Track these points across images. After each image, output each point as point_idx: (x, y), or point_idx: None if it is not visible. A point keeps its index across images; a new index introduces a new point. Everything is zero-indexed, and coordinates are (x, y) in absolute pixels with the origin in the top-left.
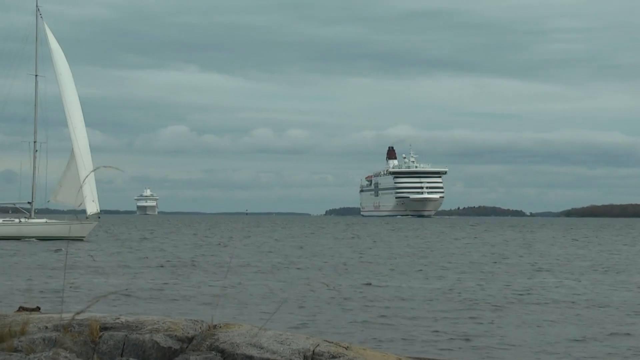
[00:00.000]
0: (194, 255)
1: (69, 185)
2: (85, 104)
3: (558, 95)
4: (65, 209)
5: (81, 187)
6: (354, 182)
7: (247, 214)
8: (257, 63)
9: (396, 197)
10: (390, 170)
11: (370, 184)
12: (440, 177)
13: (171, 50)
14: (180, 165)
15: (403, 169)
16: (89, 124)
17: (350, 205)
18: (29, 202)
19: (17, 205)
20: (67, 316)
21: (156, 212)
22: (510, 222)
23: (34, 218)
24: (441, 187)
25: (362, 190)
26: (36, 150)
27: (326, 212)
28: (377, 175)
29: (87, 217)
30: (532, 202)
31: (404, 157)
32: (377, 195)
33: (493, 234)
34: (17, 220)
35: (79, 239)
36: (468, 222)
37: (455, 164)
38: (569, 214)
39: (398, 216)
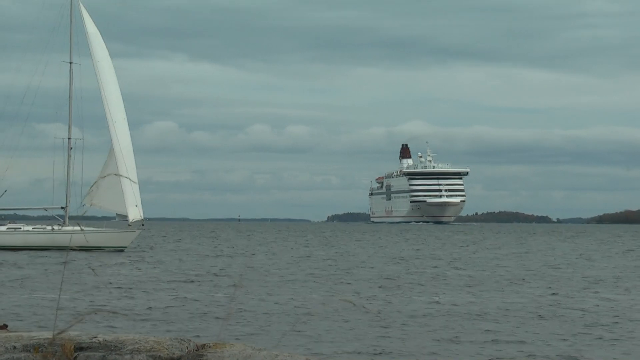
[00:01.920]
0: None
1: (106, 188)
2: (57, 97)
3: (590, 87)
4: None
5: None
6: (360, 184)
7: (239, 220)
8: (252, 51)
9: (411, 201)
10: (405, 170)
11: (382, 187)
12: (461, 178)
13: (156, 37)
14: (167, 165)
15: (419, 170)
16: (63, 119)
17: (356, 211)
18: (62, 207)
19: (49, 211)
20: (37, 335)
21: None
22: (575, 230)
23: (68, 225)
24: (462, 190)
25: (372, 194)
26: (71, 148)
27: (328, 218)
28: (389, 176)
29: (129, 225)
30: (559, 206)
31: (420, 156)
32: (390, 199)
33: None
34: (49, 227)
35: (120, 250)
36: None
37: (473, 164)
38: (600, 220)
39: (413, 222)
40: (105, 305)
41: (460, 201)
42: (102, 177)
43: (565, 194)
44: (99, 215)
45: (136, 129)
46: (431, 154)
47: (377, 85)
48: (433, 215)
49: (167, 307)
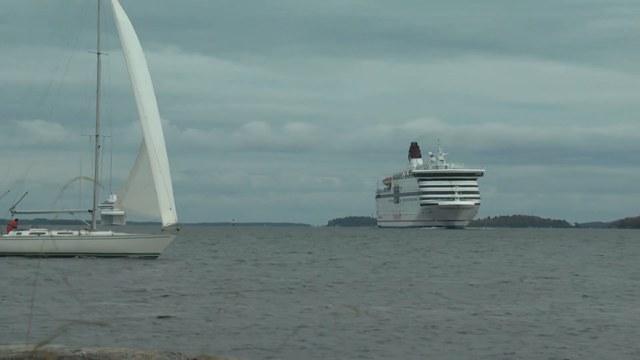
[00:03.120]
0: None
1: (137, 190)
2: (40, 92)
3: (612, 82)
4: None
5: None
6: (364, 186)
7: (233, 224)
8: (249, 43)
9: (421, 204)
10: (414, 171)
11: (389, 188)
12: (475, 179)
13: (145, 27)
14: None
15: (430, 170)
16: (45, 115)
17: (360, 215)
18: (89, 210)
19: (76, 214)
20: (15, 348)
21: (124, 223)
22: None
23: (96, 230)
24: (476, 192)
25: (378, 196)
26: (99, 146)
27: (329, 222)
28: (398, 177)
29: (162, 230)
30: (578, 210)
31: (431, 156)
32: (398, 202)
33: None
34: (76, 232)
35: (153, 256)
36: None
37: (486, 164)
38: (622, 224)
39: (424, 227)
40: (108, 314)
41: (475, 204)
42: (133, 179)
43: (584, 196)
44: (84, 219)
45: (123, 126)
46: (443, 153)
47: (384, 79)
48: (445, 219)
49: (171, 317)
